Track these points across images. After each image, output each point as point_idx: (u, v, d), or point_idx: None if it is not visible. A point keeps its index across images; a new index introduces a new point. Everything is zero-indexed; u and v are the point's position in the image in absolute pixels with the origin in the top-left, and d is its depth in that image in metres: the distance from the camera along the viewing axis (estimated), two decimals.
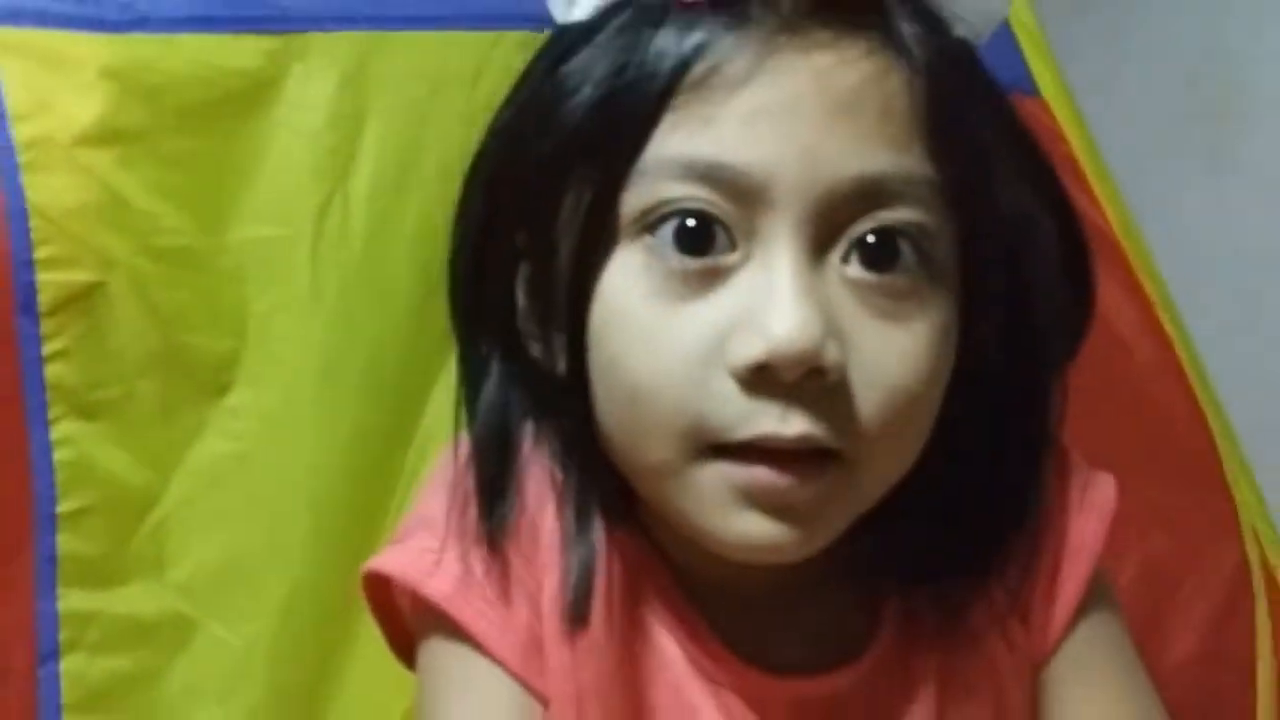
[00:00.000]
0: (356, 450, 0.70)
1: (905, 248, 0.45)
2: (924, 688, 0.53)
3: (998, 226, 0.49)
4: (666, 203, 0.45)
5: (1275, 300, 1.10)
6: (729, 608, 0.53)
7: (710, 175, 0.44)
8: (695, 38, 0.45)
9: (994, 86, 0.51)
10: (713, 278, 0.45)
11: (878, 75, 0.45)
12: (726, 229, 0.45)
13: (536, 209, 0.49)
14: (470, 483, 0.53)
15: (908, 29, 0.47)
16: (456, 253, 0.54)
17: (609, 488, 0.51)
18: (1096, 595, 0.56)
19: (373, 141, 0.70)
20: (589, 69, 0.47)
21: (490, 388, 0.54)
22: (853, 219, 0.45)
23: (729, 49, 0.44)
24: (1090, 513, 0.55)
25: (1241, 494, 0.94)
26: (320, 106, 0.69)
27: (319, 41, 0.69)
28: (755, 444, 0.45)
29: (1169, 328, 0.92)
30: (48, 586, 0.62)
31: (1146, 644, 0.61)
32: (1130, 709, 0.55)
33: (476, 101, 0.71)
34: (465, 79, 0.72)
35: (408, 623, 0.56)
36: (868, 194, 0.45)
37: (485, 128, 0.53)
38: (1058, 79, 0.90)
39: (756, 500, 0.45)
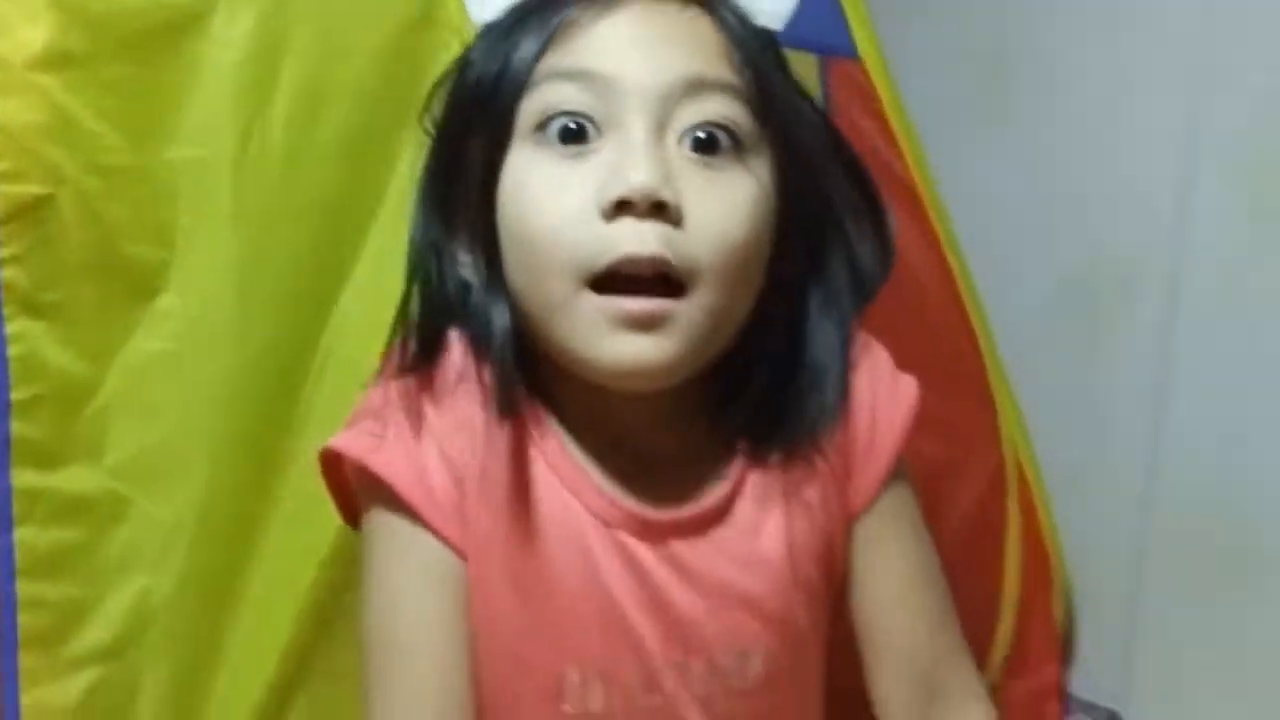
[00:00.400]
0: (270, 349, 0.78)
1: (722, 137, 0.61)
2: (774, 506, 0.67)
3: (795, 146, 0.65)
4: (553, 105, 0.61)
5: (1039, 238, 1.27)
6: (614, 459, 0.66)
7: (580, 76, 0.61)
8: (559, 16, 0.62)
9: (789, 71, 0.68)
10: (585, 157, 0.61)
11: (693, 19, 0.63)
12: (595, 123, 0.61)
13: (459, 142, 0.65)
14: (410, 378, 0.65)
15: (720, 9, 0.64)
16: (421, 180, 0.68)
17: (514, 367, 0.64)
18: (900, 472, 0.71)
19: (290, 73, 0.77)
20: (490, 49, 0.64)
21: (439, 284, 0.67)
22: (681, 106, 0.61)
23: (580, 14, 0.62)
24: (900, 402, 0.70)
25: (1003, 407, 1.13)
26: (241, 41, 0.75)
27: None
28: (620, 268, 0.59)
29: (952, 261, 1.08)
30: (3, 465, 0.70)
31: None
32: (921, 558, 0.71)
33: (386, 35, 0.80)
34: (376, 14, 0.79)
35: (356, 494, 0.67)
36: (690, 88, 0.61)
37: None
38: (874, 43, 1.04)
39: (626, 322, 0.59)
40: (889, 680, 0.70)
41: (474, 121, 0.64)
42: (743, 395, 0.66)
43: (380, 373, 0.67)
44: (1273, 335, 1.09)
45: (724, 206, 0.61)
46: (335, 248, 0.80)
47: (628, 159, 0.59)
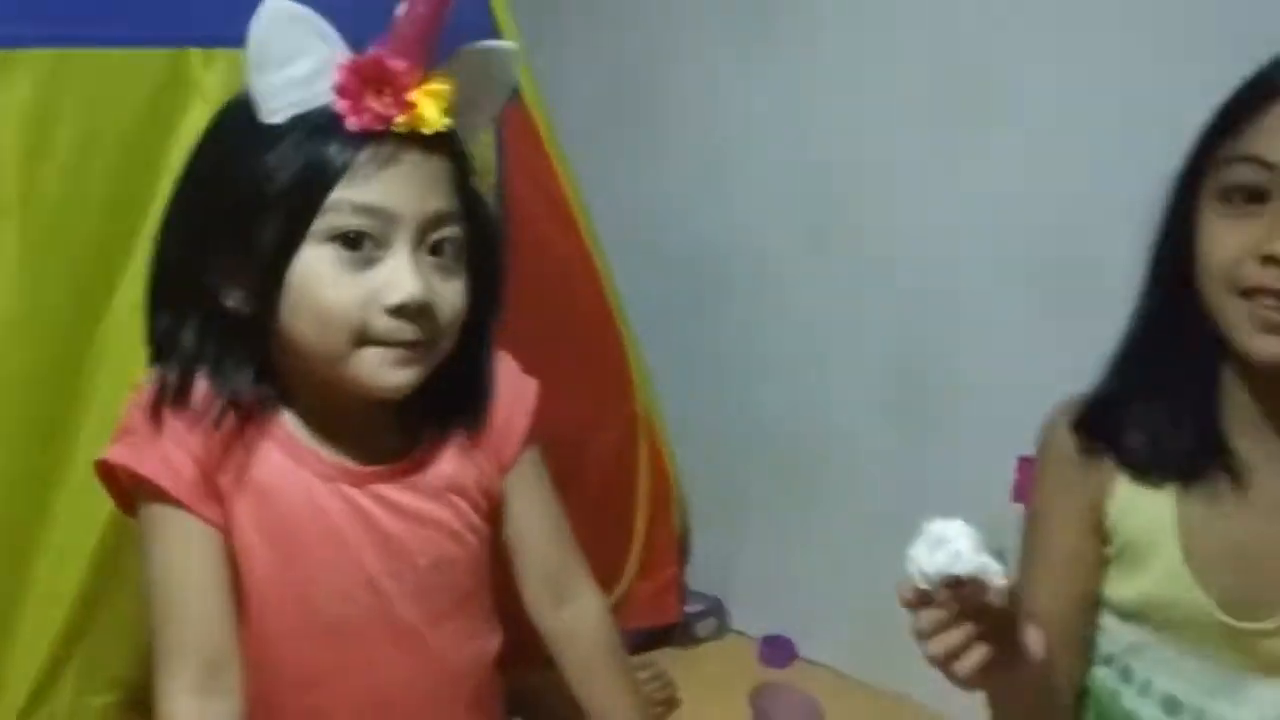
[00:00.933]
0: (53, 351, 0.95)
1: (449, 248, 0.85)
2: (450, 462, 0.92)
3: (483, 243, 0.90)
4: (347, 226, 0.81)
5: (665, 242, 1.56)
6: (336, 437, 0.88)
7: (370, 211, 0.81)
8: (350, 152, 0.81)
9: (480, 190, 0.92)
10: (367, 263, 0.82)
11: (444, 167, 0.85)
12: (374, 239, 0.82)
13: (242, 229, 0.82)
14: (162, 395, 0.83)
15: (453, 152, 0.86)
16: (168, 245, 0.84)
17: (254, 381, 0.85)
18: (532, 444, 0.98)
19: (64, 137, 0.91)
20: (286, 160, 0.81)
21: (186, 328, 0.85)
22: (431, 231, 0.84)
23: (368, 159, 0.81)
24: (525, 398, 0.97)
25: (636, 370, 1.41)
26: (21, 107, 0.89)
27: (22, 58, 0.89)
28: (392, 340, 0.83)
29: (597, 261, 1.36)
30: None
31: (573, 470, 1.02)
32: (546, 498, 0.99)
33: (142, 96, 0.96)
34: (132, 78, 0.94)
35: (129, 492, 0.85)
36: (438, 220, 0.84)
37: (188, 160, 0.84)
38: (534, 87, 1.27)
39: (395, 362, 0.83)
40: (529, 584, 0.99)
41: (269, 210, 0.80)
42: (436, 400, 0.91)
43: (137, 395, 0.85)
44: (822, 310, 1.43)
45: (450, 294, 0.85)
46: (104, 270, 0.97)
47: (403, 273, 0.81)
